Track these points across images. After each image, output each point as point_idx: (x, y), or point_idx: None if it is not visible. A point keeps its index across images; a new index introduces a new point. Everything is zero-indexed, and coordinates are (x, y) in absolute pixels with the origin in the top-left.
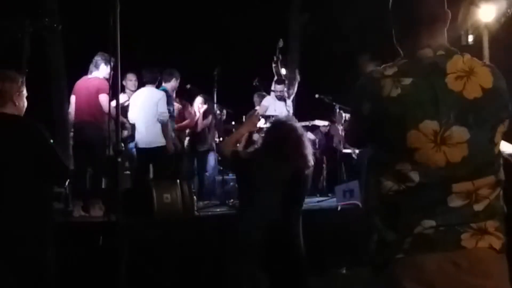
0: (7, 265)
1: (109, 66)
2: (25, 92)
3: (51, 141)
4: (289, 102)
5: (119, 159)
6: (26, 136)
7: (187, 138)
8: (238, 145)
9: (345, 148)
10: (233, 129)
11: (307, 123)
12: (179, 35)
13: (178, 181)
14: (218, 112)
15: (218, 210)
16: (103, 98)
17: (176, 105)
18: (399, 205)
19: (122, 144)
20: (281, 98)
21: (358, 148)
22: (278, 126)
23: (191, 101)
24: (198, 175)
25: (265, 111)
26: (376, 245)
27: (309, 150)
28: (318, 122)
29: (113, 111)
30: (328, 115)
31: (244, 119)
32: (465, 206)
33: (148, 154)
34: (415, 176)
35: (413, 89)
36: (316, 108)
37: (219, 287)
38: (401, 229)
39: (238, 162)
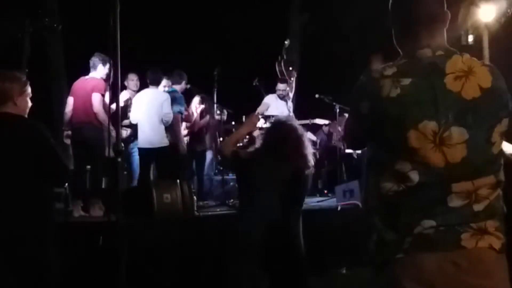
0: (7, 265)
1: (106, 67)
2: (29, 92)
3: (52, 141)
4: (290, 103)
5: (119, 159)
6: (26, 136)
7: (185, 138)
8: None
9: (348, 148)
10: (233, 129)
11: (307, 122)
12: (179, 35)
13: (178, 181)
14: (218, 112)
15: (218, 210)
16: (95, 97)
17: None
18: (399, 205)
19: (122, 144)
20: (283, 98)
21: (355, 150)
22: (278, 126)
23: (188, 101)
24: (197, 175)
25: (266, 110)
26: (375, 245)
27: (309, 150)
28: (318, 121)
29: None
30: (328, 115)
31: (244, 119)
32: (465, 206)
33: (151, 154)
34: (414, 176)
35: (412, 89)
36: (316, 108)
37: (219, 287)
38: (401, 229)
39: (238, 162)
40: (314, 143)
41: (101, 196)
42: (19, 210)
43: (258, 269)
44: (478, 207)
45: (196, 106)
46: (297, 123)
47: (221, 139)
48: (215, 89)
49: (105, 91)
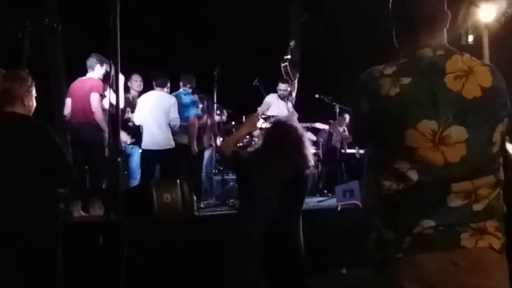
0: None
1: (104, 67)
2: (34, 93)
3: (59, 141)
4: (290, 104)
5: (119, 159)
6: (35, 136)
7: None
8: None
9: (349, 148)
10: (233, 129)
11: (307, 125)
12: (179, 35)
13: (178, 181)
14: (218, 112)
15: (218, 210)
16: (94, 97)
17: None
18: (398, 204)
19: (122, 144)
20: (284, 98)
21: (361, 148)
22: (279, 126)
23: None
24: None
25: (268, 109)
26: (375, 245)
27: (309, 150)
28: (318, 125)
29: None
30: (328, 115)
31: (244, 119)
32: (465, 206)
33: (156, 155)
34: (413, 175)
35: (412, 88)
36: (316, 108)
37: (219, 287)
38: (401, 229)
39: (238, 162)
40: (315, 143)
41: (101, 196)
42: (28, 208)
43: (258, 269)
44: (477, 207)
45: None
46: (297, 123)
47: (220, 139)
48: (215, 89)
49: (103, 91)
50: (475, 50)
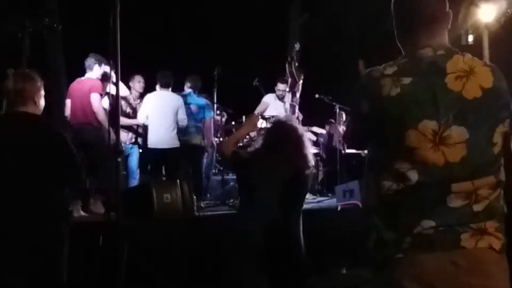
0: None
1: (102, 67)
2: (43, 92)
3: (69, 141)
4: (287, 105)
5: (119, 159)
6: (47, 136)
7: None
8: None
9: (348, 148)
10: (233, 129)
11: (305, 129)
12: (179, 35)
13: (178, 181)
14: (218, 112)
15: (218, 210)
16: (94, 98)
17: None
18: (398, 204)
19: (122, 144)
20: (282, 98)
21: (356, 149)
22: (279, 126)
23: None
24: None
25: (265, 109)
26: (375, 245)
27: (309, 150)
28: (316, 129)
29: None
30: (328, 115)
31: (244, 119)
32: (465, 206)
33: (161, 154)
34: (413, 176)
35: (412, 88)
36: (316, 108)
37: (219, 287)
38: (401, 229)
39: (238, 162)
40: (315, 143)
41: (101, 196)
42: (40, 206)
43: (258, 269)
44: (477, 208)
45: None
46: (297, 123)
47: (220, 139)
48: (215, 89)
49: (103, 90)
50: (475, 50)
